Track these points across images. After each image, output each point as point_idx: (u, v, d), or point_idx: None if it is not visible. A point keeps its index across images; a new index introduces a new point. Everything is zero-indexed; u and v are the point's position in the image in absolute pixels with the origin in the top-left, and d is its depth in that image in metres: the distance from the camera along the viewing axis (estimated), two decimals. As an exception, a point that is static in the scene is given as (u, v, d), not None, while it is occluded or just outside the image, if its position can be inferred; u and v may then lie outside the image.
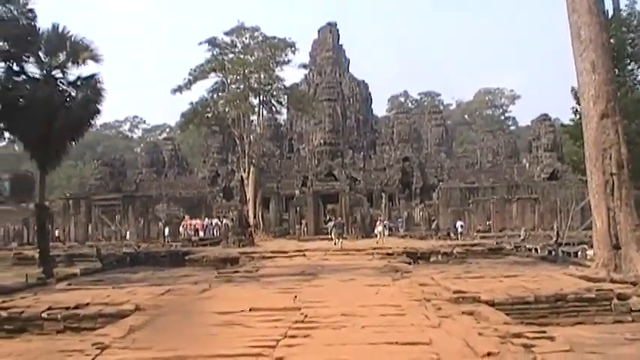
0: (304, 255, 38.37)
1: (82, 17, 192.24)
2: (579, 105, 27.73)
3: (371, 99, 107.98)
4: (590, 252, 31.47)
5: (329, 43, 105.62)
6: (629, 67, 38.49)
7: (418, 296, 17.06)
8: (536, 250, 41.14)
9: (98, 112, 30.80)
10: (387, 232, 55.48)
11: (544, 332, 11.63)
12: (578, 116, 33.86)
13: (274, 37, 64.74)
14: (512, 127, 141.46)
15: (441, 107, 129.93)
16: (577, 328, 14.10)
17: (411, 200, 78.70)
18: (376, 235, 52.12)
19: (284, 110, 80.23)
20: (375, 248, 40.02)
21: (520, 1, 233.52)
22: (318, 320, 13.66)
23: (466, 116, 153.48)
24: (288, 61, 64.29)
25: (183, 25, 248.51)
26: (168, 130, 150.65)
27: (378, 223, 56.53)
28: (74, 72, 30.28)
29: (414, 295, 17.32)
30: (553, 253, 37.95)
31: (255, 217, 63.02)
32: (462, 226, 60.62)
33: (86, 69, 30.64)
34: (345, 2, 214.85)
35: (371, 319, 13.67)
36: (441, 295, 17.09)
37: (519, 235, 57.85)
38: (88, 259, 39.22)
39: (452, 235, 58.48)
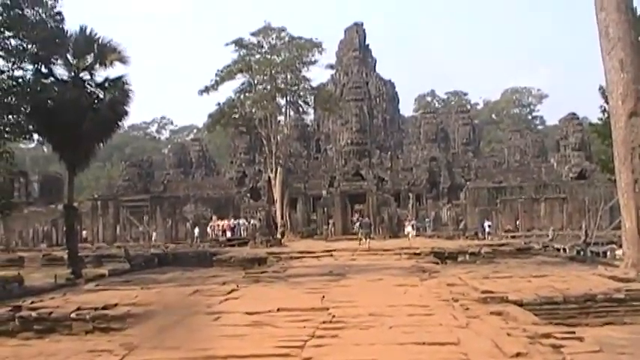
0: (332, 255, 38.39)
1: (110, 18, 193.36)
2: (607, 104, 27.55)
3: (398, 98, 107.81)
4: (619, 252, 31.23)
5: (355, 43, 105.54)
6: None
7: (446, 296, 17.03)
8: (564, 249, 40.88)
9: (126, 113, 31.04)
10: (414, 232, 55.33)
11: (573, 333, 11.57)
12: (606, 115, 33.63)
13: (301, 38, 64.80)
14: (540, 127, 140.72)
15: (468, 106, 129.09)
16: (606, 328, 14.04)
17: (438, 200, 78.39)
18: (406, 235, 52.01)
19: (311, 110, 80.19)
20: (402, 248, 39.96)
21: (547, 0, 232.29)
22: (346, 320, 13.67)
23: (493, 115, 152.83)
24: (315, 61, 64.36)
25: (211, 27, 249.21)
26: (195, 131, 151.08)
27: (407, 223, 56.55)
28: (102, 74, 30.59)
29: (442, 295, 17.29)
30: (582, 252, 37.70)
31: (282, 217, 63.11)
32: (489, 226, 60.31)
33: (114, 71, 30.89)
34: (372, 2, 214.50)
35: (399, 319, 13.66)
36: (469, 295, 17.04)
37: (547, 235, 57.53)
38: (116, 260, 39.44)
39: (480, 234, 58.24)
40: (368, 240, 46.01)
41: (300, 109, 73.10)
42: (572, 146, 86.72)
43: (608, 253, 36.50)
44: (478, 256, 37.03)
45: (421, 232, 63.20)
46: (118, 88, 30.40)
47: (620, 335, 13.05)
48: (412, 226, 55.98)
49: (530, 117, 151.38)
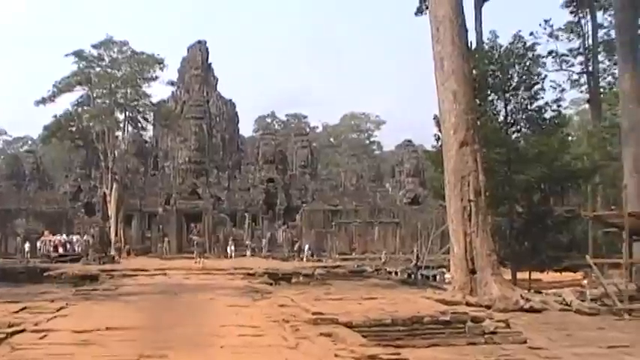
0: (165, 274, 38.01)
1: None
2: (441, 132, 28.45)
3: (238, 118, 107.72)
4: (448, 275, 32.27)
5: (198, 61, 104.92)
6: (490, 98, 39.79)
7: (277, 317, 17.12)
8: (396, 273, 41.96)
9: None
10: (234, 253, 56.67)
11: (399, 354, 11.87)
12: (440, 143, 34.72)
13: (143, 53, 64.18)
14: (377, 152, 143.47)
15: (308, 129, 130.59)
16: (432, 349, 14.44)
17: (274, 221, 78.83)
18: (229, 256, 53.36)
19: (150, 127, 79.44)
20: (236, 268, 40.00)
21: (388, 30, 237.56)
22: (176, 340, 13.56)
23: (332, 139, 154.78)
24: (156, 77, 63.94)
25: (49, 36, 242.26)
26: (30, 142, 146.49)
27: (230, 242, 57.72)
28: None
29: (273, 316, 17.36)
30: (413, 276, 38.79)
31: (117, 234, 62.07)
32: (309, 249, 61.03)
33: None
34: (216, 21, 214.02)
35: (229, 339, 13.65)
36: (300, 316, 17.18)
37: (380, 258, 58.80)
38: None
39: (301, 256, 58.95)
40: (202, 259, 45.93)
41: (140, 125, 72.19)
42: (407, 172, 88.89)
43: (438, 277, 37.73)
44: (312, 277, 37.41)
45: (256, 252, 63.52)
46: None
47: (444, 356, 13.48)
48: (234, 245, 57.21)
49: (367, 142, 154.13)
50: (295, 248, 64.85)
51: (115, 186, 63.05)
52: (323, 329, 14.76)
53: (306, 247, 61.08)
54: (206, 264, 44.31)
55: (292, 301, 21.15)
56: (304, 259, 57.38)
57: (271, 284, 32.91)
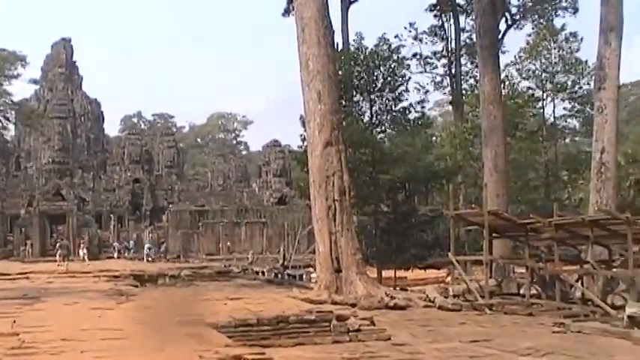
0: (28, 277, 37.01)
1: None
2: (307, 132, 28.60)
3: (103, 118, 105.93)
4: (314, 275, 32.49)
5: (62, 59, 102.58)
6: (355, 99, 40.27)
7: (143, 319, 16.90)
8: (263, 272, 41.95)
9: None
10: (87, 256, 55.74)
11: (263, 353, 11.87)
12: (305, 143, 34.93)
13: (4, 50, 62.40)
14: (244, 152, 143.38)
15: (174, 129, 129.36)
16: (297, 348, 14.47)
17: (140, 222, 77.85)
18: (83, 259, 52.56)
19: (11, 126, 77.21)
20: (102, 270, 39.34)
21: (257, 31, 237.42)
22: (37, 346, 13.17)
23: (199, 139, 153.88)
24: (18, 75, 62.24)
25: None
26: None
27: (82, 245, 56.67)
28: None
29: (139, 319, 17.14)
30: (279, 275, 38.86)
31: (-25, 237, 60.17)
32: (149, 249, 60.69)
33: None
34: (82, 19, 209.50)
35: (92, 343, 13.37)
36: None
37: (248, 258, 58.81)
38: None
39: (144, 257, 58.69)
40: (66, 262, 44.98)
41: (0, 124, 70.16)
42: (273, 172, 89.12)
43: (305, 276, 37.91)
44: (178, 278, 37.10)
45: (122, 254, 62.70)
46: None
47: (309, 355, 13.51)
48: (87, 249, 56.32)
49: (235, 142, 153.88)
50: (162, 249, 64.31)
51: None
52: (188, 330, 14.65)
53: (147, 247, 60.80)
54: (70, 267, 43.37)
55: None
56: (145, 259, 57.11)
57: (137, 286, 32.45)
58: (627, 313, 16.41)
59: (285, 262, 45.19)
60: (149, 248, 60.56)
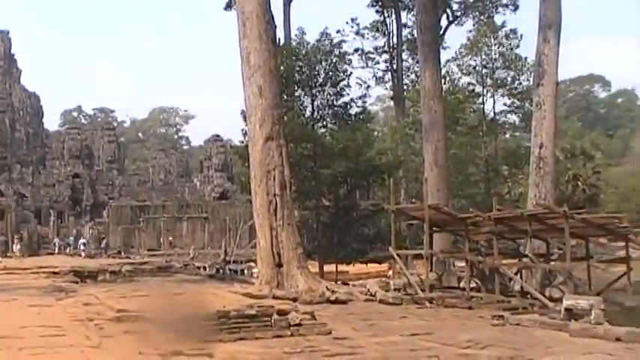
0: (-37, 275, 36.39)
1: None
2: (248, 127, 28.53)
3: (42, 112, 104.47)
4: (255, 270, 32.46)
5: (0, 52, 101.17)
6: (297, 94, 40.27)
7: (81, 316, 16.76)
8: (205, 268, 41.81)
9: None
10: (21, 251, 54.97)
11: (203, 349, 11.85)
12: (246, 138, 34.84)
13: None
14: (186, 147, 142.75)
15: (115, 124, 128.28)
16: (238, 343, 14.45)
17: (81, 217, 77.05)
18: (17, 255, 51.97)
19: (-54, 120, 75.83)
20: (41, 267, 38.76)
21: (198, 26, 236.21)
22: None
23: (140, 134, 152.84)
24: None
25: None
26: None
27: (16, 240, 55.92)
28: None
29: (77, 315, 16.98)
30: (221, 271, 38.76)
31: None
32: (84, 244, 60.37)
33: None
34: (20, 11, 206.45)
35: (29, 340, 13.24)
36: (105, 314, 16.87)
37: (189, 254, 58.55)
38: None
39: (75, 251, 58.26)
40: (4, 258, 44.36)
41: None
42: (215, 167, 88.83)
43: (246, 271, 37.88)
44: (119, 274, 36.73)
45: (62, 250, 62.06)
46: None
47: (251, 349, 13.50)
48: (21, 244, 55.71)
49: (176, 137, 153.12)
50: (103, 245, 63.77)
51: None
52: (128, 327, 14.56)
53: (81, 242, 60.56)
54: (8, 263, 42.75)
55: (97, 299, 20.74)
56: (81, 254, 56.75)
57: (77, 282, 32.09)
58: (564, 306, 16.67)
59: (227, 257, 44.98)
60: (83, 244, 60.09)
